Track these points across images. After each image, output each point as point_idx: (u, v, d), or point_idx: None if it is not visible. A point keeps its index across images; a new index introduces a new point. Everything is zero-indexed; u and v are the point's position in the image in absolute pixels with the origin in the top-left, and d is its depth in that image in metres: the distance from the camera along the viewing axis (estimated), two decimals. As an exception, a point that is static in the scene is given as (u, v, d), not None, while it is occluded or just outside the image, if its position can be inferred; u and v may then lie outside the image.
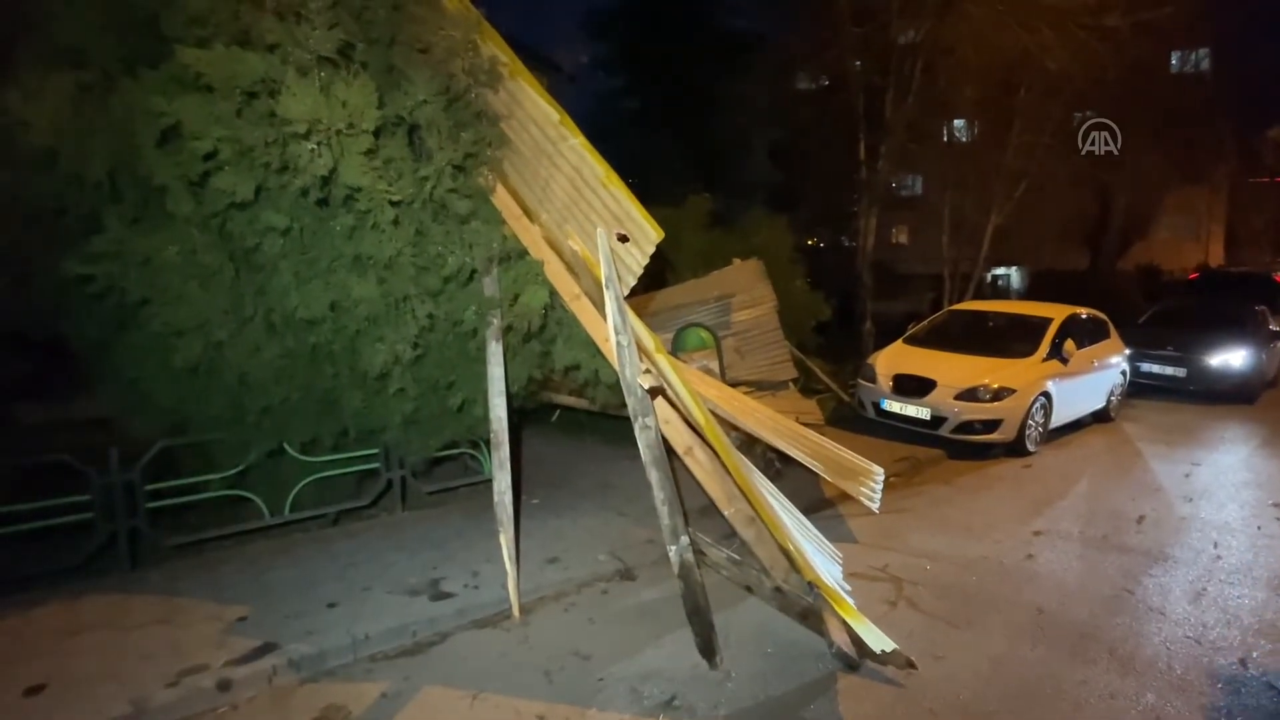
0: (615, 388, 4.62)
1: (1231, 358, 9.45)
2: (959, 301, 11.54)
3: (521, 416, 6.08)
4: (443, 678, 3.10)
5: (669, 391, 3.14)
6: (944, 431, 6.80)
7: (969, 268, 12.61)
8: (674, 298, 7.05)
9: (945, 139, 12.74)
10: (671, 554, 2.96)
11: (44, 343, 4.48)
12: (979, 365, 7.10)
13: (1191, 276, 14.54)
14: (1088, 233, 19.12)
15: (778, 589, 3.34)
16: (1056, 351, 7.31)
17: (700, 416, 2.91)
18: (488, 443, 4.37)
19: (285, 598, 3.65)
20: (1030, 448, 6.92)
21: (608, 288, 2.99)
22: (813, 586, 2.97)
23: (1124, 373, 8.70)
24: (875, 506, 4.65)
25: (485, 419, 3.96)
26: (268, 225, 3.29)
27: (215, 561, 4.15)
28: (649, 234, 3.16)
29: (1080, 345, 7.52)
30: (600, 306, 3.55)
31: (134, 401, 4.37)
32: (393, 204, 3.33)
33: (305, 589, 3.75)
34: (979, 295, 13.03)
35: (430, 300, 3.86)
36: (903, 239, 23.16)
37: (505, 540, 3.64)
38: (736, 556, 3.62)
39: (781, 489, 4.43)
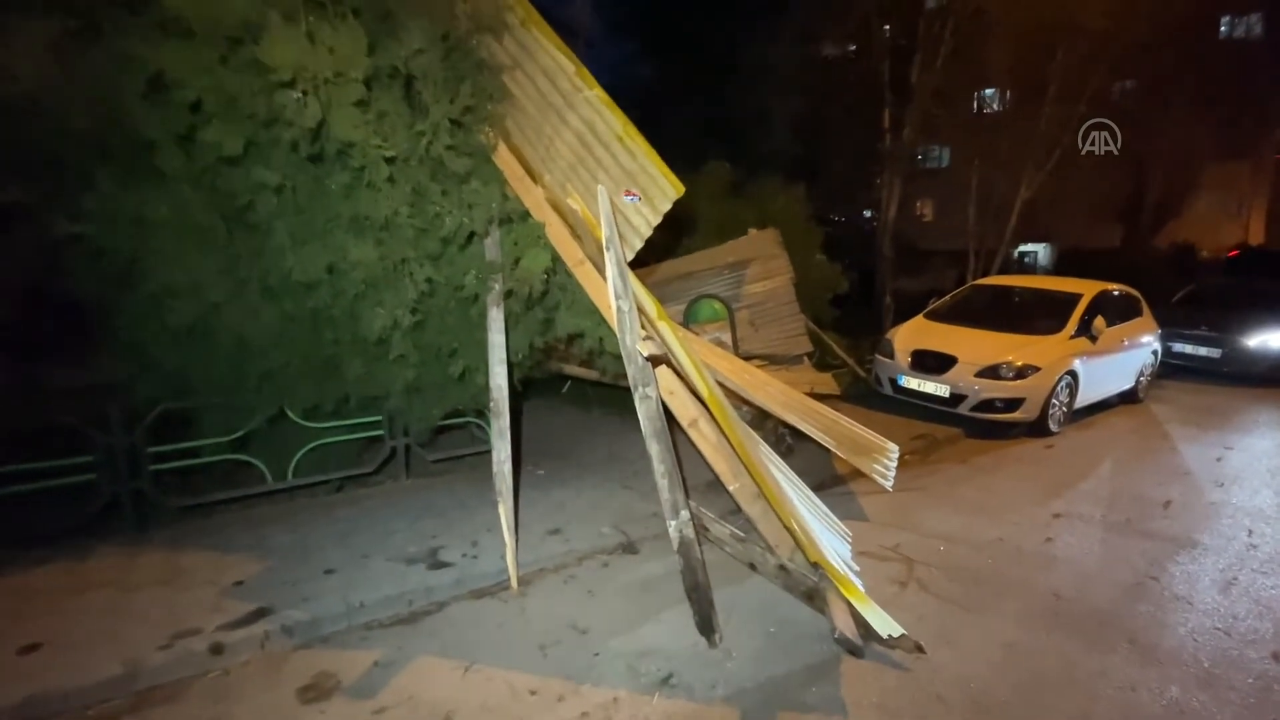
0: (621, 357, 4.50)
1: (1271, 339, 9.07)
2: (984, 278, 11.18)
3: (527, 386, 5.99)
4: (437, 648, 3.04)
5: (673, 361, 3.00)
6: (963, 409, 6.59)
7: (995, 243, 12.18)
8: (685, 266, 6.85)
9: (975, 107, 12.20)
10: (671, 529, 2.85)
11: (63, 304, 4.46)
12: (1002, 342, 6.85)
13: (1231, 255, 13.93)
14: (1121, 208, 18.40)
15: (782, 567, 3.22)
16: (1085, 329, 7.02)
17: (703, 387, 2.77)
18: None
19: (284, 563, 3.62)
20: (1053, 428, 6.68)
21: (608, 249, 2.83)
22: (817, 567, 2.85)
23: (1155, 353, 8.37)
24: (889, 484, 4.50)
25: (488, 388, 3.86)
26: (259, 182, 3.17)
27: (220, 525, 4.14)
28: (666, 190, 2.98)
29: (1110, 323, 7.21)
30: (605, 272, 3.40)
31: (138, 365, 4.34)
32: (387, 160, 3.19)
33: (304, 555, 3.72)
34: (1005, 272, 12.61)
35: (429, 264, 3.73)
36: (925, 214, 22.50)
37: (504, 511, 3.56)
38: (740, 533, 3.51)
39: (793, 465, 4.30)
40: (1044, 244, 21.69)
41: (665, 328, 2.80)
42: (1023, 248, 20.88)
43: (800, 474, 4.14)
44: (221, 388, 4.00)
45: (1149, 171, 16.26)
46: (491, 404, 3.72)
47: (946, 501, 4.96)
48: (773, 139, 11.25)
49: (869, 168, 11.28)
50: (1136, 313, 8.14)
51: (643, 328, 2.88)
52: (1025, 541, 4.23)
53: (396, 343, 4.01)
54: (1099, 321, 7.06)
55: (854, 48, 13.30)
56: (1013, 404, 6.45)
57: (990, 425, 6.55)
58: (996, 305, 7.88)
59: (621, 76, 19.39)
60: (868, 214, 16.87)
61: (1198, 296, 10.53)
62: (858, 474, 5.04)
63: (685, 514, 2.80)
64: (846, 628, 2.80)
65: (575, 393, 7.36)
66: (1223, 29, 18.18)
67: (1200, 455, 6.09)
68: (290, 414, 4.45)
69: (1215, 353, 9.43)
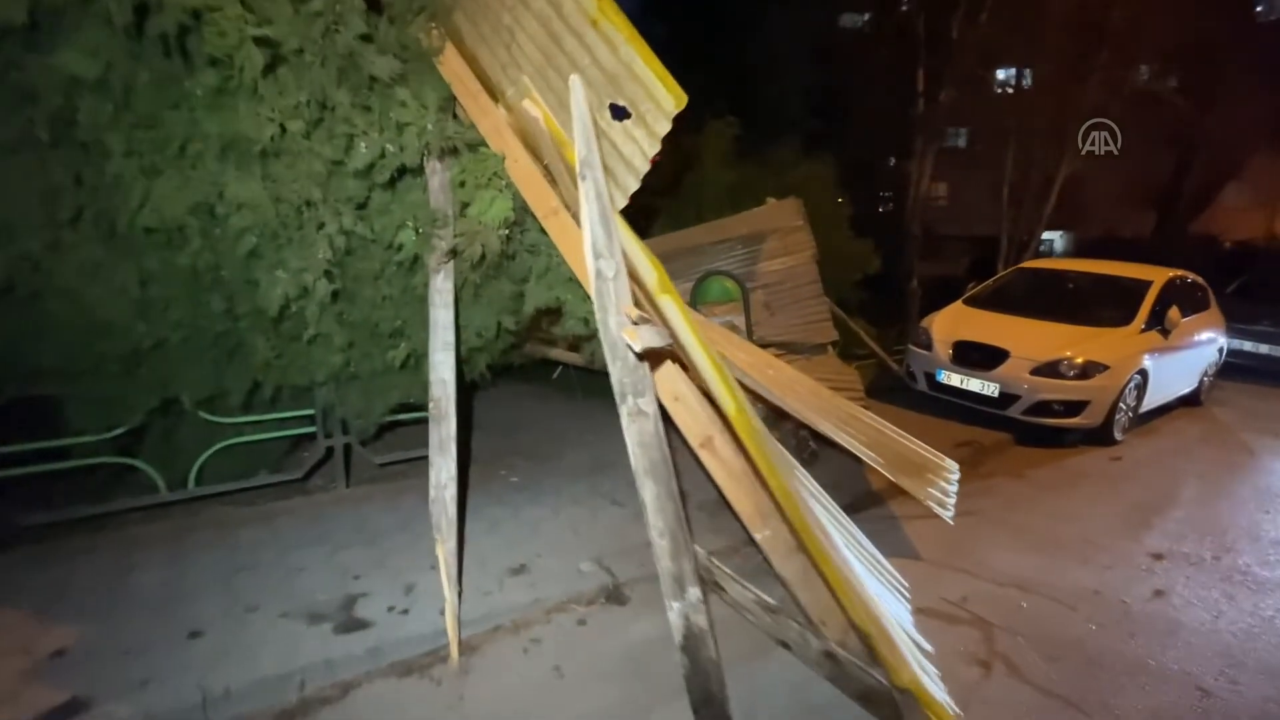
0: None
1: (1341, 336, 8.10)
2: (1012, 265, 10.16)
3: (506, 371, 5.01)
4: (327, 766, 2.09)
5: (684, 355, 1.99)
6: (1013, 412, 5.61)
7: (1025, 228, 11.09)
8: (691, 238, 5.82)
9: (1014, 75, 11.04)
10: (673, 614, 1.87)
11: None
12: (1061, 334, 5.84)
13: (1286, 243, 12.85)
14: (1154, 194, 17.24)
15: (829, 655, 2.26)
16: (1157, 321, 6.01)
17: (729, 398, 1.78)
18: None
19: (136, 617, 2.65)
20: (1117, 435, 5.71)
21: (583, 177, 1.80)
22: (906, 692, 1.85)
23: (1221, 350, 7.39)
24: (949, 515, 3.52)
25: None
26: (70, 73, 2.13)
27: (74, 552, 3.16)
28: (661, 99, 1.95)
29: (1184, 315, 6.22)
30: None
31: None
32: (264, 46, 2.14)
33: (170, 603, 2.75)
34: (1036, 259, 11.57)
35: (347, 210, 2.70)
36: (939, 197, 21.29)
37: (444, 555, 2.59)
38: (770, 600, 2.53)
39: (817, 477, 3.32)
40: (1059, 231, 20.50)
41: (671, 305, 1.82)
42: (1043, 235, 19.71)
43: (827, 489, 3.17)
44: (70, 373, 2.98)
45: (1192, 156, 15.09)
46: (431, 405, 2.72)
47: (1010, 531, 4.00)
48: (793, 103, 10.09)
49: (897, 136, 10.15)
50: (1205, 304, 7.13)
51: (636, 305, 1.87)
52: (1129, 595, 3.27)
53: (312, 318, 3.01)
54: (1174, 313, 6.05)
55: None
56: (1075, 408, 5.46)
57: (1042, 429, 5.57)
58: (1048, 292, 6.85)
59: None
60: (883, 193, 15.72)
61: (1255, 287, 9.51)
62: (897, 491, 4.06)
63: (694, 593, 1.82)
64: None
65: (565, 378, 6.37)
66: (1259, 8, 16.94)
67: (1296, 473, 5.13)
68: (189, 407, 3.47)
69: (1278, 350, 8.45)
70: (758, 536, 2.31)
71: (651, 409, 1.77)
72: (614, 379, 1.79)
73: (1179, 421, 6.63)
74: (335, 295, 2.99)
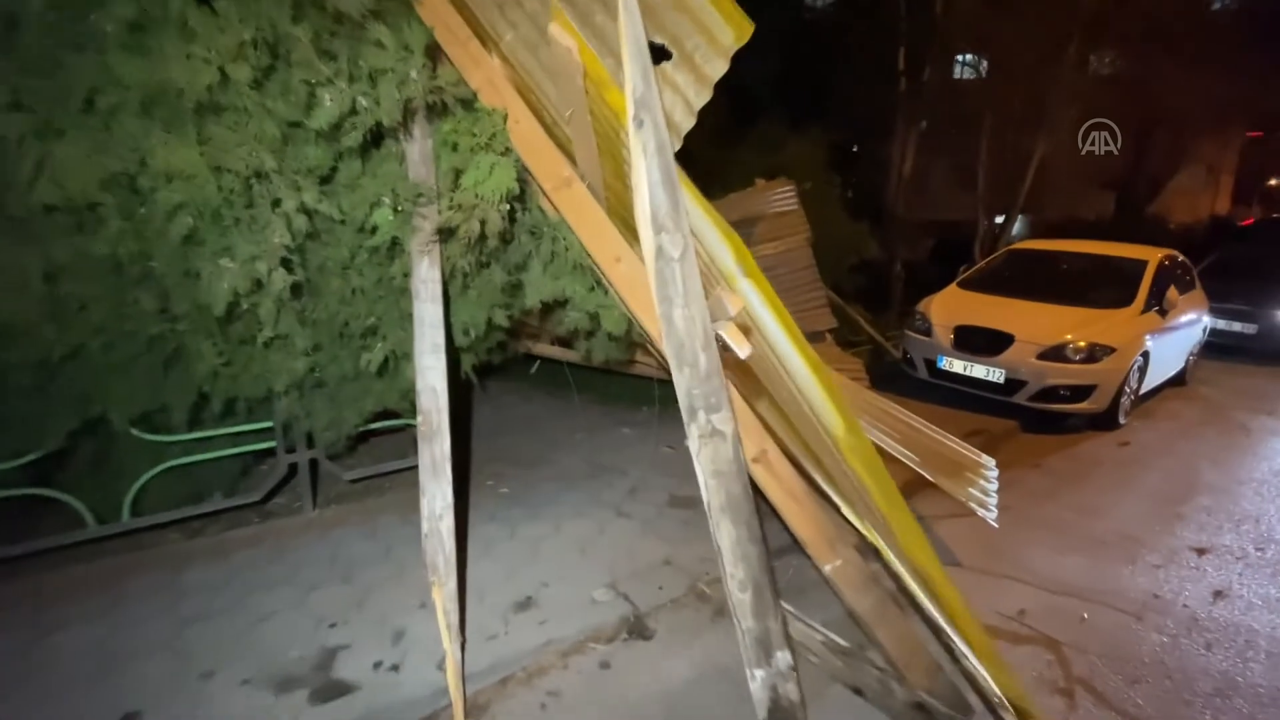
0: (624, 340, 3.08)
1: (1309, 314, 8.27)
2: (987, 250, 10.09)
3: (479, 373, 4.54)
4: None
5: (774, 359, 1.58)
6: (1020, 398, 5.41)
7: (999, 211, 11.05)
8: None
9: (990, 57, 10.93)
10: (755, 684, 1.47)
11: None
12: (1064, 316, 5.66)
13: (1245, 223, 13.22)
14: (1113, 177, 17.59)
15: (919, 705, 1.91)
16: (1156, 301, 5.90)
17: (838, 416, 1.37)
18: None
19: (54, 696, 2.12)
20: (1122, 419, 5.59)
21: (638, 122, 1.35)
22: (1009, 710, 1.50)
23: (1205, 329, 7.41)
24: (992, 517, 3.24)
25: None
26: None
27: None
28: (719, 33, 1.52)
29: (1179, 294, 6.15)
30: (608, 196, 1.95)
31: None
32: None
33: (100, 674, 2.23)
34: (1009, 244, 11.57)
35: (308, 183, 2.20)
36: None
37: (441, 600, 2.14)
38: (841, 641, 2.16)
39: None
40: (1006, 216, 20.83)
41: (756, 293, 1.42)
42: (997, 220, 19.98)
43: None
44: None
45: (1150, 137, 15.41)
46: (420, 419, 2.26)
47: (1043, 528, 3.76)
48: (769, 83, 9.72)
49: (878, 118, 9.90)
50: (1191, 284, 7.12)
51: (721, 295, 1.45)
52: (1188, 598, 3.04)
53: (268, 317, 2.49)
54: (1172, 293, 5.97)
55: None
56: (1081, 392, 5.29)
57: (1045, 415, 5.41)
58: (1044, 273, 6.69)
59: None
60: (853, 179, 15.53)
61: (1223, 267, 9.67)
62: (921, 486, 3.78)
63: (784, 658, 1.43)
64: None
65: (546, 372, 5.90)
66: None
67: (1304, 454, 5.08)
68: (127, 427, 2.91)
69: (1250, 328, 8.61)
70: (826, 567, 1.94)
71: (730, 428, 1.36)
72: (681, 390, 1.38)
73: (1171, 403, 6.58)
74: (296, 288, 2.48)
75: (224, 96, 1.89)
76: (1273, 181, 22.59)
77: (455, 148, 2.12)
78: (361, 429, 3.58)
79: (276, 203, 2.18)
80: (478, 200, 2.10)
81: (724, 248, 1.51)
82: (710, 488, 1.39)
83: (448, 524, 2.21)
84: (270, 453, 3.52)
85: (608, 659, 2.53)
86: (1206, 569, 3.29)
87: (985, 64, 11.15)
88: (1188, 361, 7.13)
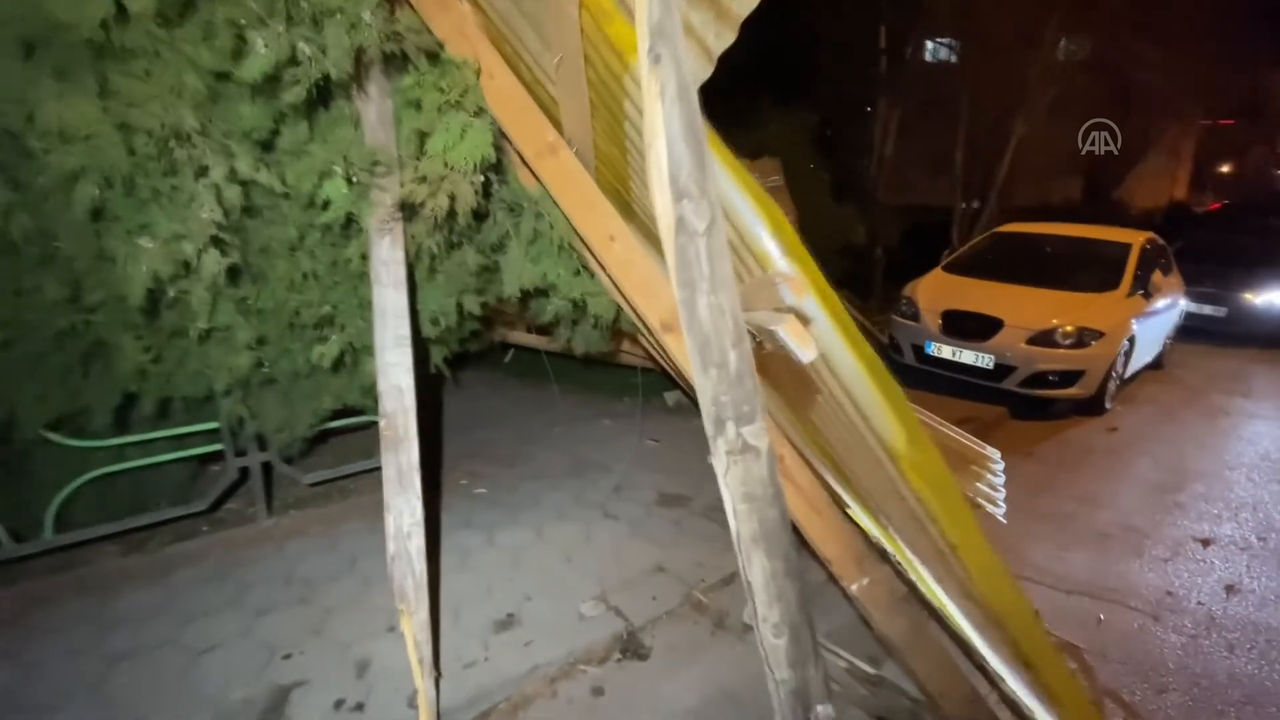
0: (610, 329, 2.80)
1: (1278, 296, 8.42)
2: (964, 236, 10.02)
3: (454, 362, 4.21)
4: None
5: (821, 359, 1.33)
6: (1009, 384, 5.31)
7: (975, 194, 10.99)
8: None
9: (968, 39, 10.79)
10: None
11: None
12: (1050, 300, 5.57)
13: (1213, 207, 13.49)
14: (1082, 161, 17.80)
15: (958, 739, 1.71)
16: (1141, 284, 5.85)
17: (896, 425, 1.15)
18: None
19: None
20: (1108, 404, 5.54)
21: (655, 58, 1.05)
22: None
23: (1182, 312, 7.45)
24: (1000, 512, 3.07)
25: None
26: None
27: None
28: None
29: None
30: (599, 165, 1.66)
31: None
32: None
33: (6, 729, 1.90)
34: (988, 228, 11.56)
35: (243, 148, 1.86)
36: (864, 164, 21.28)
37: (412, 631, 1.86)
38: (870, 669, 1.95)
39: None
40: (974, 202, 21.03)
41: (798, 271, 1.18)
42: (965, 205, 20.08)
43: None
44: None
45: (1121, 123, 15.57)
46: (382, 423, 1.96)
47: (1044, 521, 3.64)
48: (748, 56, 9.40)
49: (858, 97, 9.68)
50: (1169, 267, 7.11)
51: (776, 280, 1.18)
52: (1200, 594, 2.93)
53: (201, 306, 2.15)
54: (1157, 275, 5.95)
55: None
56: (1070, 377, 5.21)
57: (1033, 401, 5.33)
58: (1029, 256, 6.60)
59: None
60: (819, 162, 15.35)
61: (1192, 251, 9.80)
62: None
63: (826, 712, 1.20)
64: None
65: (521, 359, 5.58)
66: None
67: (1281, 437, 5.09)
68: (30, 433, 2.53)
69: (1221, 311, 8.75)
70: (852, 586, 1.72)
71: (764, 443, 1.11)
72: (705, 397, 1.12)
73: (1150, 387, 6.59)
74: (234, 273, 2.14)
75: (127, 37, 1.53)
76: (1224, 168, 23.24)
77: (419, 107, 1.80)
78: (319, 428, 3.25)
79: (202, 170, 1.83)
80: (446, 170, 1.78)
81: (759, 220, 1.24)
82: (740, 514, 1.14)
83: (417, 544, 1.92)
84: (221, 456, 3.18)
85: (600, 683, 2.28)
86: (1214, 561, 3.20)
87: (962, 46, 11.03)
88: (1165, 345, 7.16)
